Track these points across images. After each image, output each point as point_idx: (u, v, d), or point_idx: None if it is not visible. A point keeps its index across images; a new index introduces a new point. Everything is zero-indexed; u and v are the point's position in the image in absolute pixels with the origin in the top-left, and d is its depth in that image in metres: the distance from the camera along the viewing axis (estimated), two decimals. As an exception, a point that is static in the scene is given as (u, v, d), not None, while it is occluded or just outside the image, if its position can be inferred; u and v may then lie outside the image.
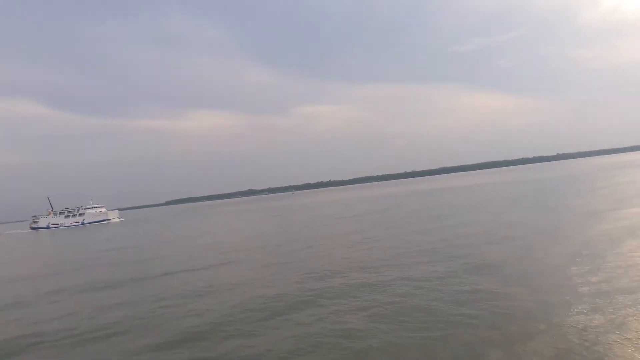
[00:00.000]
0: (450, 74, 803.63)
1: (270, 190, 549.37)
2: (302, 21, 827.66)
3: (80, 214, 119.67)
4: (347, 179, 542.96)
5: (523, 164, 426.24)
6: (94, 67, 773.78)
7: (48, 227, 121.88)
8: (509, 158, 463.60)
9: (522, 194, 50.78)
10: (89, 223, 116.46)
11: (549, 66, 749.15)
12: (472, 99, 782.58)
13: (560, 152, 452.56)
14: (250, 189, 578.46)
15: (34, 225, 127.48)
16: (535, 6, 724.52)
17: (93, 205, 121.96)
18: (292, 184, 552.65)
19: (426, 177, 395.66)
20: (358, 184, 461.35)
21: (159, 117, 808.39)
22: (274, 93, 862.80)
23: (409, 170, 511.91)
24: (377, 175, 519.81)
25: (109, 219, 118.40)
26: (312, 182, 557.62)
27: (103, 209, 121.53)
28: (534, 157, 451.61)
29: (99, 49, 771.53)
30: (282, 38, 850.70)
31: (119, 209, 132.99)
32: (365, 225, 34.42)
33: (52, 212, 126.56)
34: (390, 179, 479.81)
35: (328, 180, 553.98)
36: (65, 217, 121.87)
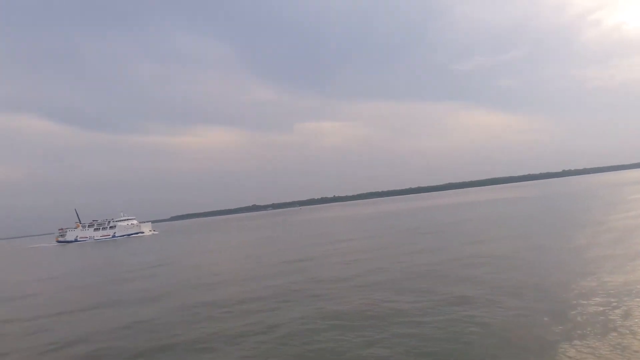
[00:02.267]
0: (453, 92, 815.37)
1: (275, 206, 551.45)
2: (304, 39, 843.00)
3: (111, 227, 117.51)
4: (352, 194, 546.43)
5: (529, 180, 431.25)
6: (100, 82, 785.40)
7: (76, 241, 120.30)
8: (515, 174, 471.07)
9: (551, 209, 54.79)
10: (121, 236, 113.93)
11: (551, 85, 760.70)
12: (475, 116, 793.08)
13: (566, 169, 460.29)
14: (254, 205, 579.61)
15: (60, 239, 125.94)
16: (536, 26, 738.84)
17: (124, 218, 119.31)
18: (296, 200, 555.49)
19: (432, 193, 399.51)
20: (363, 200, 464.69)
21: (162, 133, 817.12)
22: (277, 109, 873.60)
23: (413, 186, 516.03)
24: (382, 191, 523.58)
25: (142, 232, 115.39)
26: (316, 198, 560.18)
27: (135, 222, 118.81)
28: (540, 173, 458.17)
29: (105, 65, 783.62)
30: (285, 55, 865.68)
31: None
32: (412, 241, 36.83)
33: (80, 224, 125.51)
34: (395, 195, 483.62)
35: (332, 196, 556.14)
36: (95, 230, 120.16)
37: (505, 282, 16.73)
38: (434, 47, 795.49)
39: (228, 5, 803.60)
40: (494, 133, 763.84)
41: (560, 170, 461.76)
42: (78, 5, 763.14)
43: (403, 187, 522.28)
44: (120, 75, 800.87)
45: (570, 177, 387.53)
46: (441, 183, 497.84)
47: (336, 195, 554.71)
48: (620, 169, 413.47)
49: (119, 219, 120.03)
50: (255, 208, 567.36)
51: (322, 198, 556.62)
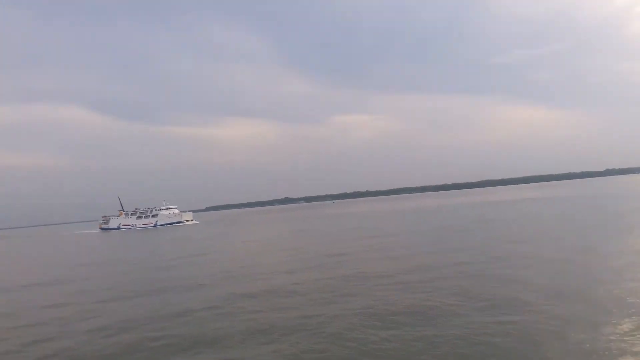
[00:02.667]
0: (491, 86, 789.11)
1: (307, 199, 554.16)
2: (339, 31, 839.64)
3: (153, 215, 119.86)
4: (385, 189, 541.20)
5: (569, 178, 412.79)
6: (138, 74, 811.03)
7: (119, 228, 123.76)
8: (555, 172, 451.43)
9: (599, 209, 51.79)
10: (162, 225, 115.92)
11: (595, 79, 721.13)
12: (514, 111, 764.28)
13: (610, 168, 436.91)
14: (287, 197, 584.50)
15: (104, 226, 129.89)
16: (579, 18, 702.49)
17: (166, 207, 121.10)
18: (328, 193, 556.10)
19: (469, 189, 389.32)
20: (396, 195, 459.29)
21: (197, 125, 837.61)
22: (310, 102, 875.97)
23: (449, 182, 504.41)
24: (416, 187, 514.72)
25: (183, 221, 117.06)
26: (348, 192, 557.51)
27: (176, 210, 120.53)
28: (581, 172, 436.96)
29: (144, 57, 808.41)
30: (319, 48, 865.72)
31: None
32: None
33: (123, 212, 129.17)
34: (429, 190, 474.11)
35: (365, 190, 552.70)
36: (138, 218, 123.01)
37: (562, 286, 15.53)
38: (472, 40, 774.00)
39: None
40: (534, 128, 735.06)
41: (603, 169, 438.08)
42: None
43: (438, 183, 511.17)
44: (157, 67, 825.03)
45: (615, 176, 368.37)
46: (478, 180, 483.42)
47: (369, 190, 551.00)
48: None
49: (161, 207, 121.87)
50: (287, 200, 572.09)
51: (354, 192, 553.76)
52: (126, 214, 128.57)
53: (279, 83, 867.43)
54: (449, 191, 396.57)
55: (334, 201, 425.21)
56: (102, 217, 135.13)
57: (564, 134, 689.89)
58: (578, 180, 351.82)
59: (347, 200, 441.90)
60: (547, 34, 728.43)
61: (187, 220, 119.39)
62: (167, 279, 25.25)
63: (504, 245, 26.86)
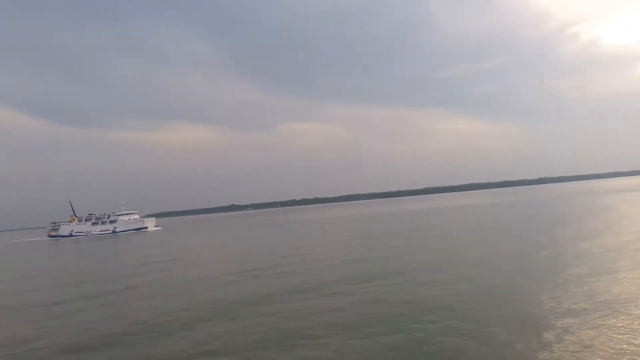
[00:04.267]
0: (434, 99, 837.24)
1: (255, 206, 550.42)
2: (288, 40, 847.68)
3: (111, 221, 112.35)
4: (333, 196, 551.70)
5: (506, 186, 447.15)
6: (78, 76, 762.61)
7: (71, 235, 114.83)
8: (493, 180, 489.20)
9: (543, 215, 59.64)
10: (122, 231, 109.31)
11: (530, 94, 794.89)
12: (455, 123, 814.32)
13: (542, 177, 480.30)
14: (233, 204, 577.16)
15: (53, 233, 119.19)
16: (516, 36, 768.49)
17: (125, 212, 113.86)
18: (277, 200, 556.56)
19: (412, 196, 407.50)
20: (345, 202, 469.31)
21: (140, 130, 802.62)
22: (257, 109, 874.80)
23: (394, 189, 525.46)
24: (363, 194, 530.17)
25: (145, 227, 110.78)
26: (297, 199, 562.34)
27: (137, 216, 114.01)
28: (517, 180, 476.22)
29: (85, 59, 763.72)
30: (267, 56, 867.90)
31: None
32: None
33: (75, 218, 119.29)
34: (376, 198, 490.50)
35: (314, 197, 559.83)
36: (93, 224, 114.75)
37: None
38: (417, 54, 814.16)
39: (211, 3, 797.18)
40: (474, 139, 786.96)
41: (536, 177, 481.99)
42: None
43: (385, 190, 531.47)
44: (99, 69, 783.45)
45: (547, 184, 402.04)
46: (421, 187, 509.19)
47: (317, 197, 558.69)
48: (596, 178, 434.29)
49: (120, 212, 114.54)
50: (234, 207, 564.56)
51: (303, 199, 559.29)
52: (79, 220, 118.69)
53: (227, 89, 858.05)
54: (395, 198, 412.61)
55: (283, 208, 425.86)
56: (52, 223, 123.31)
57: (502, 145, 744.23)
58: (515, 187, 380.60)
59: (297, 207, 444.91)
60: (487, 50, 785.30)
61: (150, 226, 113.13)
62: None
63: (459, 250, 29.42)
